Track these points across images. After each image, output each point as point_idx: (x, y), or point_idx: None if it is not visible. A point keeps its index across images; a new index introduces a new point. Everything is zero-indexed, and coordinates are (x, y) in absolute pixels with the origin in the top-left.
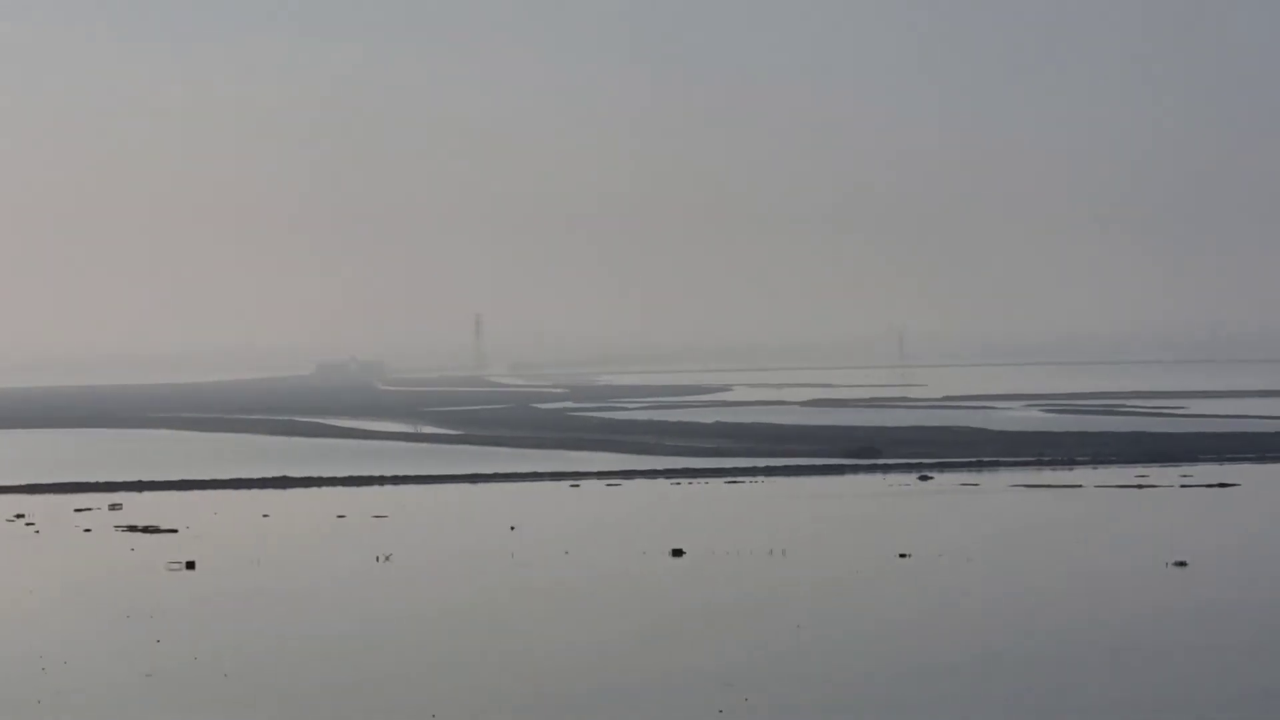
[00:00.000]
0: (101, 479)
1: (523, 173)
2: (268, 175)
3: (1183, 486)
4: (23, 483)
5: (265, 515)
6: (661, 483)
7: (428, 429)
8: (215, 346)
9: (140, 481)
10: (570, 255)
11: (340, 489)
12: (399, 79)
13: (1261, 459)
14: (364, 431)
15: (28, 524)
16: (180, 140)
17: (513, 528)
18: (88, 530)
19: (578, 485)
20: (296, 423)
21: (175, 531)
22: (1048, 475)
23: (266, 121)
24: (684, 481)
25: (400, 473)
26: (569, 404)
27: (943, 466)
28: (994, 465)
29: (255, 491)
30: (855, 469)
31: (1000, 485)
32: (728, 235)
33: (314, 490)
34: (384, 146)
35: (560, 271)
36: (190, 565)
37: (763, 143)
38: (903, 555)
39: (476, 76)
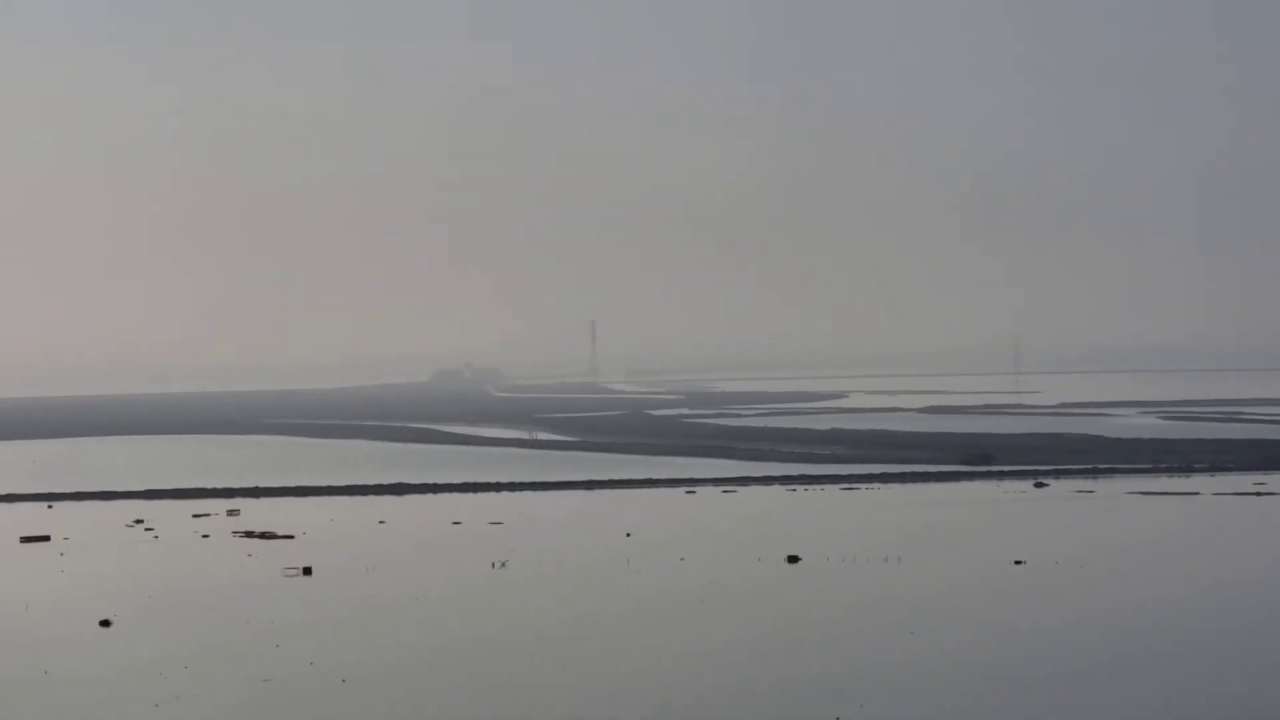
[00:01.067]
0: (219, 485)
1: (641, 180)
2: (388, 184)
3: None
4: (142, 488)
5: (381, 521)
6: (777, 489)
7: (543, 435)
8: (332, 354)
9: (257, 488)
10: (686, 262)
11: (456, 495)
12: (520, 90)
13: None
14: (479, 438)
15: (147, 529)
16: (304, 147)
17: (629, 534)
18: (206, 536)
19: (693, 492)
20: (412, 429)
21: (292, 538)
22: (1164, 482)
23: (388, 129)
24: (800, 488)
25: (516, 479)
26: (684, 410)
27: (1058, 473)
28: (1109, 472)
29: (371, 498)
30: (970, 476)
31: (1116, 492)
32: (845, 241)
33: (430, 497)
34: (503, 156)
35: (676, 278)
36: (307, 571)
37: (881, 148)
38: (1017, 562)
39: (597, 86)
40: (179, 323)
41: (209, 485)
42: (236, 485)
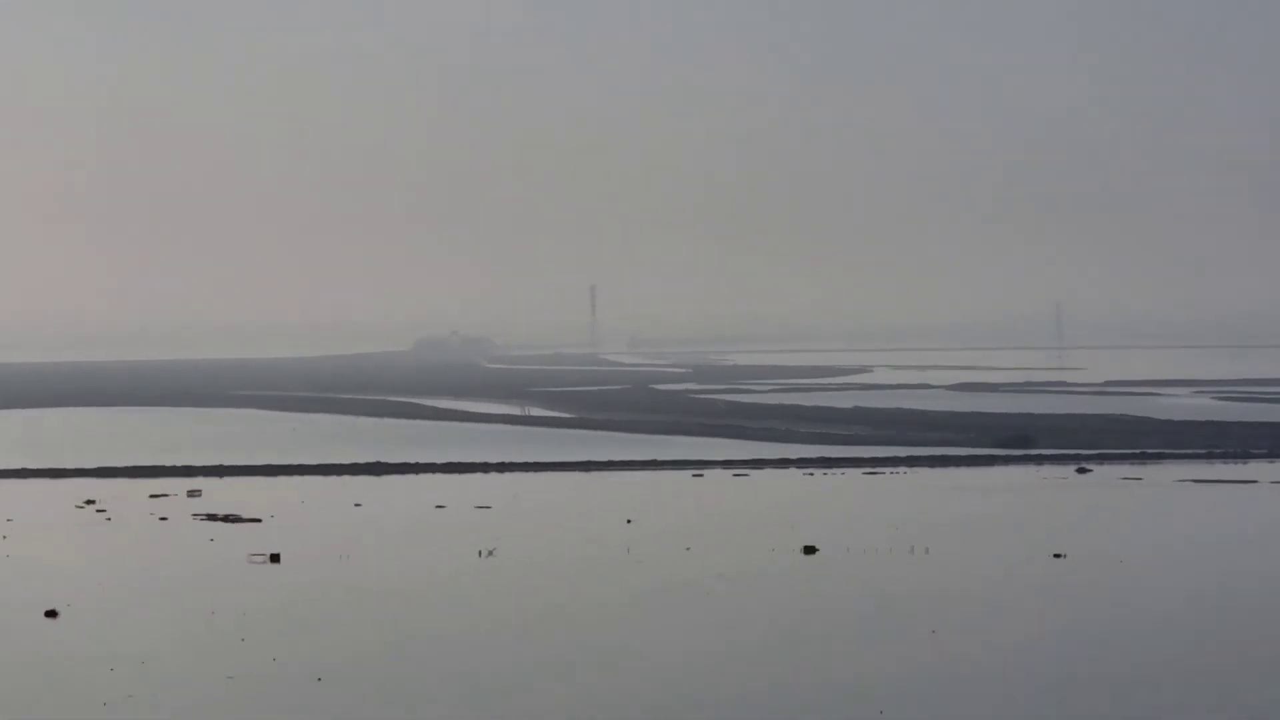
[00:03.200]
0: (179, 463)
1: (649, 145)
2: (370, 140)
3: None
4: (94, 465)
5: (357, 505)
6: (793, 473)
7: (537, 411)
8: (306, 319)
9: (221, 466)
10: (694, 228)
11: (440, 477)
12: (522, 48)
13: None
14: (467, 413)
15: (99, 510)
16: (285, 102)
17: (629, 521)
18: (164, 519)
19: (701, 475)
20: (392, 403)
21: (259, 521)
22: (1219, 469)
23: (380, 89)
24: (818, 472)
25: (506, 459)
26: (692, 385)
27: (1102, 458)
28: (1159, 458)
29: (346, 479)
30: (1006, 460)
31: (1165, 479)
32: (868, 210)
33: (411, 478)
34: (497, 116)
35: (683, 245)
36: (275, 558)
37: (908, 116)
38: (1057, 555)
39: (605, 51)
40: (137, 284)
41: (168, 463)
42: (198, 463)
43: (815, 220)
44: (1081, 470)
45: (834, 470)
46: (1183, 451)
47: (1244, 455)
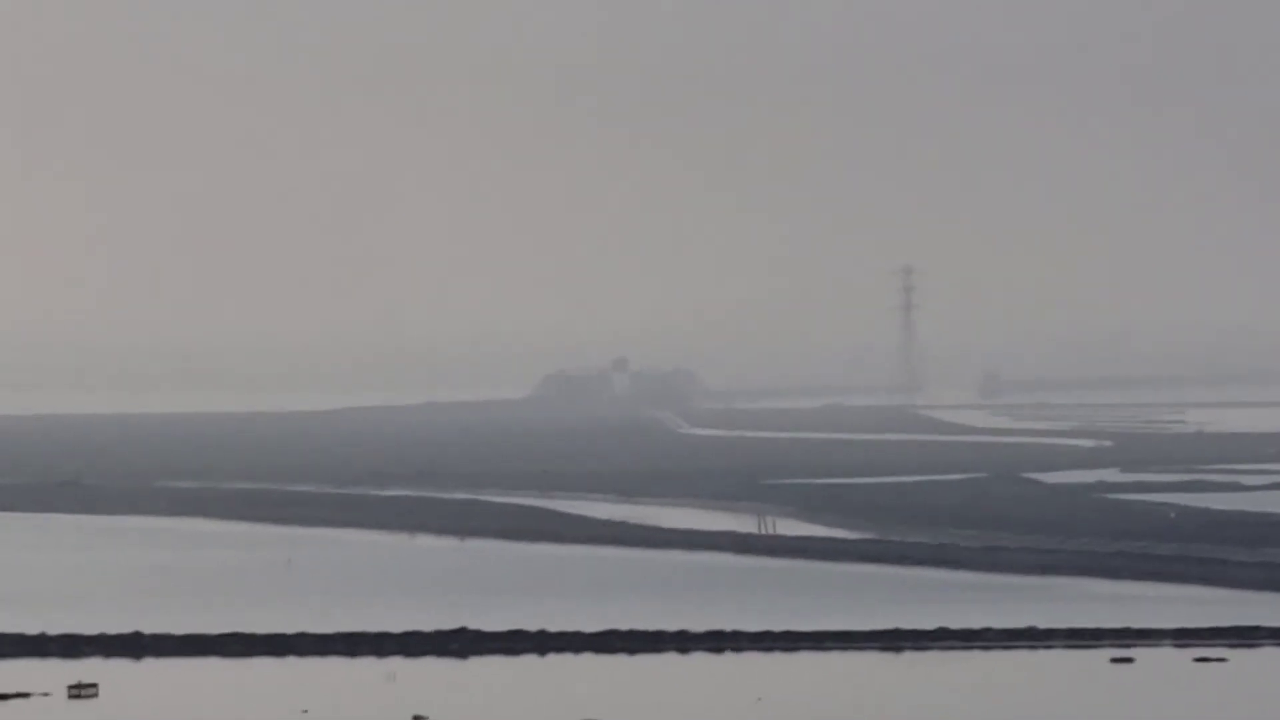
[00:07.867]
0: (53, 630)
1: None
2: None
3: None
4: None
5: (419, 719)
6: None
7: (786, 524)
8: (316, 337)
9: (139, 636)
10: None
11: (588, 660)
12: None
13: None
14: (644, 529)
15: None
16: None
17: None
18: None
19: (1129, 660)
20: (492, 507)
21: None
22: None
23: None
24: None
25: (724, 625)
26: (1111, 473)
27: None
28: None
29: (397, 662)
30: None
31: None
32: None
33: (529, 661)
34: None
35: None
36: None
37: None
38: None
39: None
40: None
41: (31, 630)
42: (90, 631)
43: None
44: None
45: None
46: None
47: None
